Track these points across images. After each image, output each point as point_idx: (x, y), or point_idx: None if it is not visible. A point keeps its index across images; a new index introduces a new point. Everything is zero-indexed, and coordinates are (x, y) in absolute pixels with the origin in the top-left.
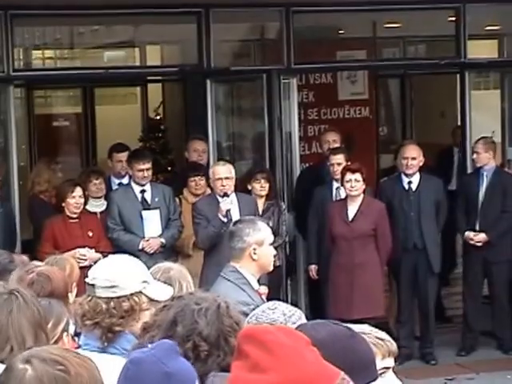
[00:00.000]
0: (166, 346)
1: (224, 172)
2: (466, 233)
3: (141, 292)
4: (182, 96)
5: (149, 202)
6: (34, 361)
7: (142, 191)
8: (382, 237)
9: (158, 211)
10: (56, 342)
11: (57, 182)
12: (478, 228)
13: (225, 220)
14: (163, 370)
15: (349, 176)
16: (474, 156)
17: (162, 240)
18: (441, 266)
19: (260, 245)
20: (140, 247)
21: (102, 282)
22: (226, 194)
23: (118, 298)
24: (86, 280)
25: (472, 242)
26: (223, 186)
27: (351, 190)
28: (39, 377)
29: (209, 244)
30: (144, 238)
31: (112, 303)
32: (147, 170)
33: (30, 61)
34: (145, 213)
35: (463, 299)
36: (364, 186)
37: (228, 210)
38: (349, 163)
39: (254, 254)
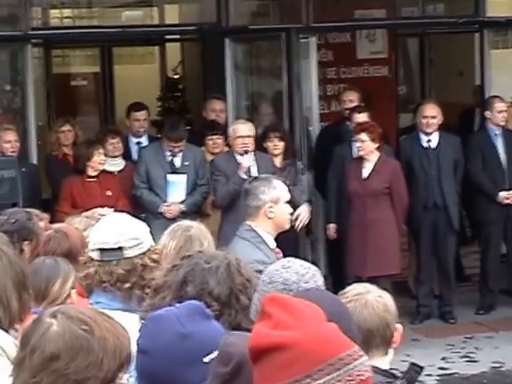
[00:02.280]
0: (190, 306)
1: (245, 130)
2: (501, 193)
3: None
4: (201, 55)
5: (177, 166)
6: (60, 316)
7: (173, 154)
8: (396, 195)
9: (185, 176)
10: (65, 300)
11: (66, 141)
12: (508, 186)
13: (245, 177)
14: (179, 330)
15: (357, 136)
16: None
17: (182, 207)
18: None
19: (275, 203)
20: (160, 211)
21: (129, 242)
22: (246, 152)
23: (147, 251)
24: (102, 246)
25: (508, 201)
26: (244, 143)
27: (358, 149)
28: (61, 333)
29: (228, 200)
30: (166, 202)
31: (145, 258)
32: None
33: (47, 20)
34: (171, 176)
35: (481, 258)
36: (374, 145)
37: (249, 167)
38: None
39: (270, 212)
